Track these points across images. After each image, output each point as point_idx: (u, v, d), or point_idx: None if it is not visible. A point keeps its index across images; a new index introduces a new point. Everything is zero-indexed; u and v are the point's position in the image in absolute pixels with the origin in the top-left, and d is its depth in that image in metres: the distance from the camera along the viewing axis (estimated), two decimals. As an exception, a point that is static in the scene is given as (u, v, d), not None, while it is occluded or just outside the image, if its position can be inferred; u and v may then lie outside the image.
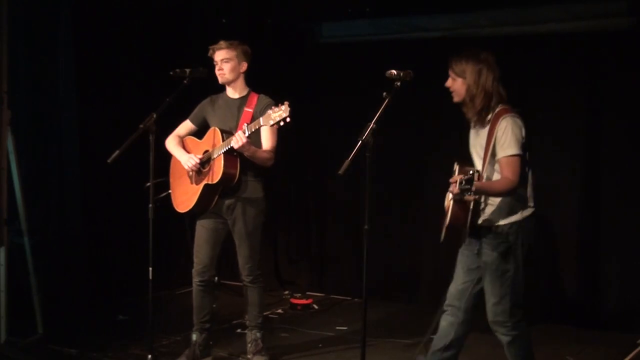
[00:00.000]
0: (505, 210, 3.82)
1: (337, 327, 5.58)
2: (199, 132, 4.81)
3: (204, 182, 4.56)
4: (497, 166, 3.78)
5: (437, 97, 5.89)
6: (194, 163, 4.58)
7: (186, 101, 4.74)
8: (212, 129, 4.63)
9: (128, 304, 5.83)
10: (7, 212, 4.94)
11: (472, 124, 3.96)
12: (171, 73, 4.53)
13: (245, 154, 4.44)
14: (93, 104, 5.92)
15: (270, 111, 4.23)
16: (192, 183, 4.66)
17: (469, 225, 3.81)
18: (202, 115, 4.78)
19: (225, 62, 4.60)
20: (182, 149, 4.73)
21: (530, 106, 5.75)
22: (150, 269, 4.41)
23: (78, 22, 5.73)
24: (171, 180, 4.87)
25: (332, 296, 6.53)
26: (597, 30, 5.50)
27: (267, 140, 4.59)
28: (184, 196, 4.70)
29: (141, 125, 4.30)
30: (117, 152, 4.27)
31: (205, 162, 4.60)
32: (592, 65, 5.55)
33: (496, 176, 3.81)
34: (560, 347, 5.10)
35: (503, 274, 3.82)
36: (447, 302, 4.06)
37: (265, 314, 5.12)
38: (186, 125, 4.82)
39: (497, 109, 3.84)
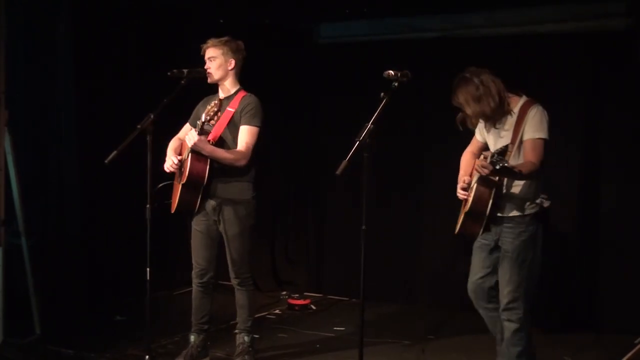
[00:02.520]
0: (528, 200, 3.98)
1: (335, 328, 5.58)
2: None
3: (182, 182, 4.56)
4: (521, 155, 3.87)
5: (434, 97, 5.95)
6: (169, 164, 4.61)
7: (184, 102, 4.74)
8: (192, 129, 4.59)
9: (126, 305, 5.82)
10: (4, 212, 4.94)
11: (489, 128, 4.08)
12: (169, 73, 4.52)
13: (203, 152, 4.41)
14: (91, 104, 5.91)
15: (209, 106, 4.34)
16: (178, 183, 4.67)
17: (489, 211, 3.94)
18: (197, 116, 4.72)
19: (212, 60, 4.58)
20: (172, 151, 4.72)
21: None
22: (148, 269, 4.41)
23: (77, 23, 5.71)
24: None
25: (329, 297, 6.54)
26: (595, 30, 5.51)
27: (240, 139, 4.52)
28: (174, 197, 4.72)
29: (139, 126, 4.30)
30: (114, 152, 4.27)
31: (184, 162, 4.60)
32: (589, 66, 5.55)
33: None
34: (558, 347, 5.10)
35: (523, 262, 3.97)
36: (472, 298, 4.18)
37: (263, 314, 5.12)
38: (185, 128, 4.81)
39: (523, 100, 4.00)
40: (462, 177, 4.16)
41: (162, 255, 5.71)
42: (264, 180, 6.59)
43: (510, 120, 3.98)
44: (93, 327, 5.50)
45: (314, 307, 6.25)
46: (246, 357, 4.71)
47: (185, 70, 4.54)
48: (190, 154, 4.45)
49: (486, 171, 3.73)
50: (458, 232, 4.15)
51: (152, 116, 4.31)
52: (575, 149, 5.65)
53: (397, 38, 6.22)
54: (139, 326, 4.86)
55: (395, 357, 4.95)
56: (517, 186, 3.98)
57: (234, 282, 4.70)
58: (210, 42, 4.60)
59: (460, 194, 4.12)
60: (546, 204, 4.03)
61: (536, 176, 3.93)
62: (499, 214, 4.01)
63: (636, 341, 5.19)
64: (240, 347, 4.73)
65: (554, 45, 5.63)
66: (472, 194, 3.97)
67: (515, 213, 3.99)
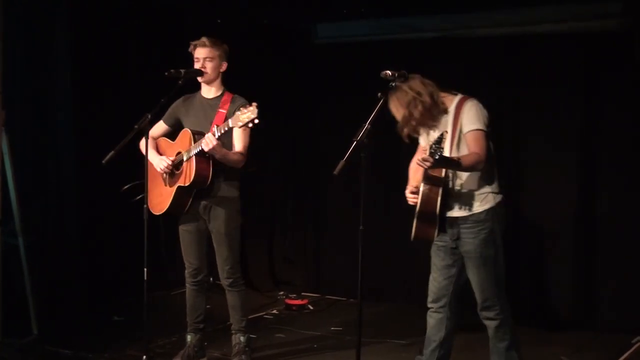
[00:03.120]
0: (479, 197, 3.94)
1: (333, 328, 5.58)
2: (173, 133, 4.76)
3: (177, 184, 4.54)
4: (463, 147, 3.83)
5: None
6: (165, 165, 4.57)
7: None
8: (184, 130, 4.61)
9: (123, 305, 5.82)
10: (2, 212, 4.93)
11: (428, 132, 4.03)
12: (166, 74, 4.52)
13: (216, 156, 4.42)
14: (89, 104, 5.91)
15: (238, 112, 4.20)
16: (165, 185, 4.65)
17: (439, 210, 3.88)
18: (175, 116, 4.72)
19: (209, 61, 4.58)
20: (154, 151, 4.67)
21: (525, 106, 5.79)
22: (146, 269, 4.41)
23: (75, 23, 5.71)
24: (148, 182, 4.73)
25: (327, 297, 6.54)
26: (592, 31, 5.51)
27: (238, 142, 4.55)
28: (159, 198, 4.67)
29: (136, 126, 4.30)
30: (111, 152, 4.27)
31: (178, 163, 4.58)
32: (586, 66, 5.56)
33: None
34: (555, 347, 5.11)
35: (486, 259, 3.94)
36: (430, 300, 4.14)
37: (260, 314, 5.13)
38: (159, 126, 4.76)
39: (458, 97, 3.96)
40: (411, 182, 4.12)
41: (159, 255, 5.74)
42: (263, 180, 6.64)
43: (448, 119, 3.94)
44: (91, 327, 5.50)
45: (311, 307, 6.25)
46: (243, 357, 4.71)
47: (182, 71, 4.53)
48: (194, 156, 4.42)
49: (427, 164, 3.66)
50: (413, 238, 4.08)
51: (149, 116, 4.31)
52: (573, 149, 5.65)
53: (395, 38, 6.22)
54: (137, 326, 4.86)
55: (393, 357, 4.95)
56: (465, 182, 3.94)
57: (224, 282, 4.70)
58: (207, 41, 4.59)
59: (409, 198, 4.06)
60: (499, 198, 3.99)
61: (483, 169, 3.89)
62: (452, 215, 3.96)
63: (633, 341, 5.20)
64: (237, 348, 4.74)
65: (552, 45, 5.64)
66: (419, 195, 3.92)
67: (468, 212, 3.94)
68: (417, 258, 6.16)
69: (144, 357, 4.47)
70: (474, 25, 5.93)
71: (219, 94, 4.65)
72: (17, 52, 5.44)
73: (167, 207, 4.61)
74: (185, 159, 4.50)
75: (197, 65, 4.58)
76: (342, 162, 3.70)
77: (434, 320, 4.14)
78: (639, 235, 5.40)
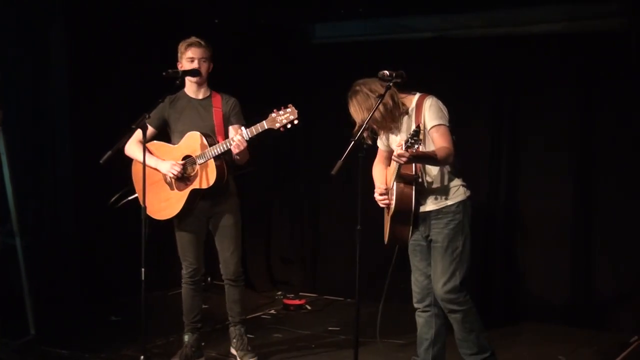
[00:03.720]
0: (450, 191, 4.01)
1: (330, 328, 5.58)
2: (158, 135, 4.72)
3: (191, 187, 4.54)
4: (429, 144, 3.87)
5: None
6: (178, 170, 4.53)
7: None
8: (192, 133, 4.55)
9: (120, 305, 5.82)
10: (-1, 213, 4.94)
11: (389, 135, 4.10)
12: (164, 73, 4.52)
13: (240, 156, 4.48)
14: (86, 104, 5.90)
15: (274, 114, 4.28)
16: (172, 189, 4.62)
17: (414, 209, 3.94)
18: (162, 118, 4.66)
19: (204, 61, 4.60)
20: (153, 155, 4.62)
21: (523, 106, 5.79)
22: (143, 269, 4.40)
23: (71, 22, 5.71)
24: (138, 187, 4.72)
25: (325, 297, 6.53)
26: (590, 31, 5.51)
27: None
28: (164, 203, 4.64)
29: (133, 126, 4.30)
30: (109, 152, 4.26)
31: (188, 167, 4.57)
32: (584, 66, 5.56)
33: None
34: (553, 346, 5.11)
35: (453, 251, 4.00)
36: (415, 300, 4.21)
37: (258, 314, 5.13)
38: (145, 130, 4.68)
39: (416, 96, 4.00)
40: (378, 185, 4.14)
41: (156, 255, 5.72)
42: (260, 180, 6.63)
43: (409, 119, 3.98)
44: (88, 327, 5.49)
45: (309, 307, 6.25)
46: (249, 348, 4.79)
47: (180, 71, 4.55)
48: (214, 159, 4.43)
49: (404, 159, 3.67)
50: (388, 241, 4.13)
51: (147, 116, 4.31)
52: (571, 149, 5.65)
53: (392, 38, 6.22)
54: (134, 326, 4.85)
55: (391, 356, 4.95)
56: (435, 176, 4.00)
57: (230, 277, 4.74)
58: (202, 42, 4.60)
59: (380, 200, 4.09)
60: (468, 192, 4.06)
61: (451, 163, 3.94)
62: (425, 209, 4.02)
63: (631, 340, 5.20)
64: (240, 340, 4.80)
65: (550, 45, 5.64)
66: (393, 196, 3.95)
67: (439, 205, 4.00)
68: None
69: (142, 357, 4.46)
70: (471, 26, 5.93)
71: (207, 94, 4.68)
72: (13, 51, 5.44)
73: (178, 210, 4.59)
74: (200, 162, 4.49)
75: (190, 65, 4.58)
76: (339, 162, 3.70)
77: (423, 319, 4.21)
78: (637, 235, 5.41)
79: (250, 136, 4.38)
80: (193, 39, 4.63)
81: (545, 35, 5.67)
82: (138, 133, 4.47)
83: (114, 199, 5.13)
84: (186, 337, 4.81)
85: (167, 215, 4.65)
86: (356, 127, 3.91)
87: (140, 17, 6.21)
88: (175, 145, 4.64)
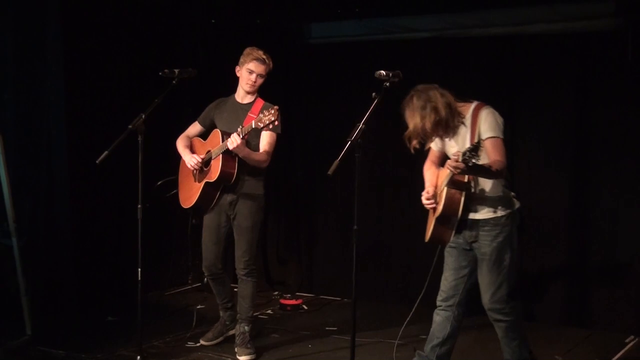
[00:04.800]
0: (501, 202, 4.00)
1: (327, 328, 5.58)
2: (207, 133, 5.01)
3: (205, 180, 4.80)
4: (482, 154, 3.79)
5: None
6: (195, 162, 4.83)
7: (175, 101, 4.73)
8: (214, 130, 4.89)
9: (117, 305, 5.80)
10: (-5, 213, 4.93)
11: (444, 140, 4.10)
12: (160, 73, 4.54)
13: (240, 154, 4.65)
14: (82, 104, 5.89)
15: (261, 115, 4.46)
16: (195, 181, 4.92)
17: (460, 215, 3.95)
18: (209, 117, 5.00)
19: (261, 77, 4.84)
20: (187, 149, 4.96)
21: (519, 106, 5.79)
22: (139, 270, 4.40)
23: (66, 22, 5.70)
24: (179, 178, 5.14)
25: (321, 297, 6.53)
26: (585, 31, 5.52)
27: (264, 143, 4.81)
28: (188, 193, 4.97)
29: (130, 126, 4.30)
30: (105, 152, 4.27)
31: (207, 161, 4.84)
32: (580, 66, 5.57)
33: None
34: (549, 346, 5.11)
35: (501, 263, 4.00)
36: (440, 298, 4.19)
37: (255, 314, 5.14)
38: (195, 127, 5.07)
39: (473, 105, 3.99)
40: (427, 188, 4.17)
41: (153, 255, 5.72)
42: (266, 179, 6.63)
43: (465, 128, 3.97)
44: (84, 327, 5.48)
45: (306, 307, 6.25)
46: (248, 345, 4.88)
47: (176, 70, 4.59)
48: (221, 155, 4.67)
49: (459, 170, 3.69)
50: (429, 239, 4.16)
51: (143, 116, 4.33)
52: (567, 148, 5.66)
53: (388, 38, 6.22)
54: (131, 327, 4.86)
55: (388, 356, 4.95)
56: (487, 186, 3.99)
57: (241, 272, 4.91)
58: (267, 59, 4.84)
59: (427, 204, 4.12)
60: (518, 204, 4.07)
61: (504, 175, 3.96)
62: (472, 217, 4.01)
63: (627, 340, 5.21)
64: (241, 337, 4.90)
65: (545, 45, 5.65)
66: (442, 199, 3.96)
67: (488, 215, 3.99)
68: (411, 258, 6.20)
69: (138, 357, 4.46)
70: (467, 26, 5.93)
71: (252, 100, 4.90)
72: (8, 52, 5.43)
73: (195, 201, 4.87)
74: (213, 157, 4.76)
75: (247, 76, 4.81)
76: (336, 162, 3.71)
77: (441, 318, 4.20)
78: (633, 235, 5.42)
79: (243, 134, 4.55)
80: (260, 53, 4.85)
81: (542, 35, 5.68)
82: (189, 128, 5.04)
83: (160, 182, 5.52)
84: (221, 313, 5.11)
85: (188, 204, 4.96)
86: (408, 132, 3.91)
87: (136, 17, 6.21)
88: (205, 141, 4.97)
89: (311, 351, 5.08)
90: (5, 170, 5.05)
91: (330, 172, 3.71)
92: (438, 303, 4.21)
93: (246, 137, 4.60)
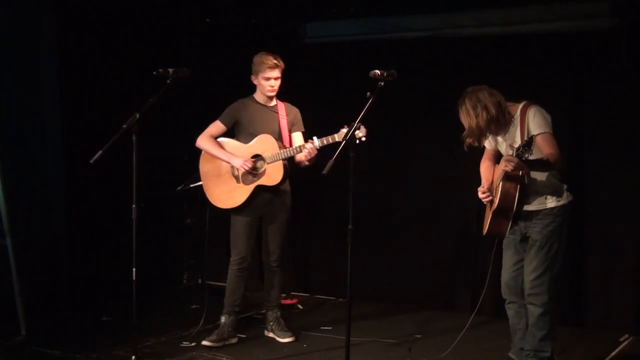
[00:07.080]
0: (555, 194, 4.22)
1: (322, 327, 5.58)
2: (227, 133, 5.10)
3: (257, 182, 5.01)
4: (535, 150, 3.97)
5: (421, 96, 5.96)
6: (250, 166, 4.96)
7: (169, 101, 4.72)
8: (263, 135, 5.02)
9: (112, 305, 5.80)
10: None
11: (495, 139, 4.33)
12: (154, 73, 4.53)
13: (309, 162, 4.95)
14: (76, 103, 5.88)
15: (343, 130, 4.62)
16: (239, 182, 5.06)
17: (516, 208, 4.14)
18: (234, 118, 5.08)
19: (278, 80, 5.05)
20: (226, 151, 5.06)
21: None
22: (134, 269, 4.40)
23: (61, 22, 5.69)
24: (205, 176, 5.17)
25: (316, 296, 6.53)
26: (581, 30, 5.53)
27: (299, 142, 5.11)
28: (229, 193, 5.09)
29: (124, 126, 4.30)
30: (100, 152, 4.27)
31: (257, 164, 5.02)
32: (575, 65, 5.57)
33: None
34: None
35: (549, 250, 4.21)
36: (505, 292, 4.42)
37: (250, 314, 5.18)
38: (218, 127, 5.11)
39: (521, 104, 4.21)
40: (483, 184, 4.38)
41: (148, 255, 5.71)
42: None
43: (514, 127, 4.17)
44: (79, 327, 5.48)
45: (301, 307, 6.25)
46: (286, 328, 5.24)
47: (170, 70, 4.59)
48: (282, 161, 4.98)
49: (513, 164, 3.87)
50: (487, 233, 4.33)
51: (137, 115, 4.32)
52: (562, 148, 5.62)
53: (384, 38, 6.22)
54: (126, 326, 4.86)
55: (382, 356, 4.95)
56: (540, 179, 4.18)
57: (274, 264, 5.26)
58: (280, 62, 5.03)
59: (483, 197, 4.31)
60: (571, 197, 4.26)
61: (560, 166, 4.13)
62: (529, 209, 4.21)
63: (622, 339, 5.22)
64: (277, 322, 5.27)
65: (540, 45, 5.65)
66: (498, 193, 4.15)
67: (541, 206, 4.20)
68: (407, 258, 6.21)
69: (133, 357, 4.46)
70: (462, 25, 5.94)
71: (274, 102, 5.15)
72: (3, 53, 5.42)
73: (242, 202, 5.04)
74: (269, 161, 4.97)
75: (265, 83, 5.01)
76: (331, 162, 3.72)
77: (513, 311, 4.42)
78: (627, 234, 5.42)
79: (320, 146, 4.82)
80: (271, 59, 5.00)
81: (536, 35, 5.68)
82: (211, 128, 5.08)
83: (180, 187, 5.57)
84: (223, 319, 5.14)
85: (230, 205, 5.08)
86: (465, 132, 4.16)
87: (131, 17, 6.20)
88: (247, 144, 5.04)
89: (306, 350, 5.08)
90: (0, 169, 5.04)
91: (325, 171, 3.72)
92: (504, 297, 4.42)
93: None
